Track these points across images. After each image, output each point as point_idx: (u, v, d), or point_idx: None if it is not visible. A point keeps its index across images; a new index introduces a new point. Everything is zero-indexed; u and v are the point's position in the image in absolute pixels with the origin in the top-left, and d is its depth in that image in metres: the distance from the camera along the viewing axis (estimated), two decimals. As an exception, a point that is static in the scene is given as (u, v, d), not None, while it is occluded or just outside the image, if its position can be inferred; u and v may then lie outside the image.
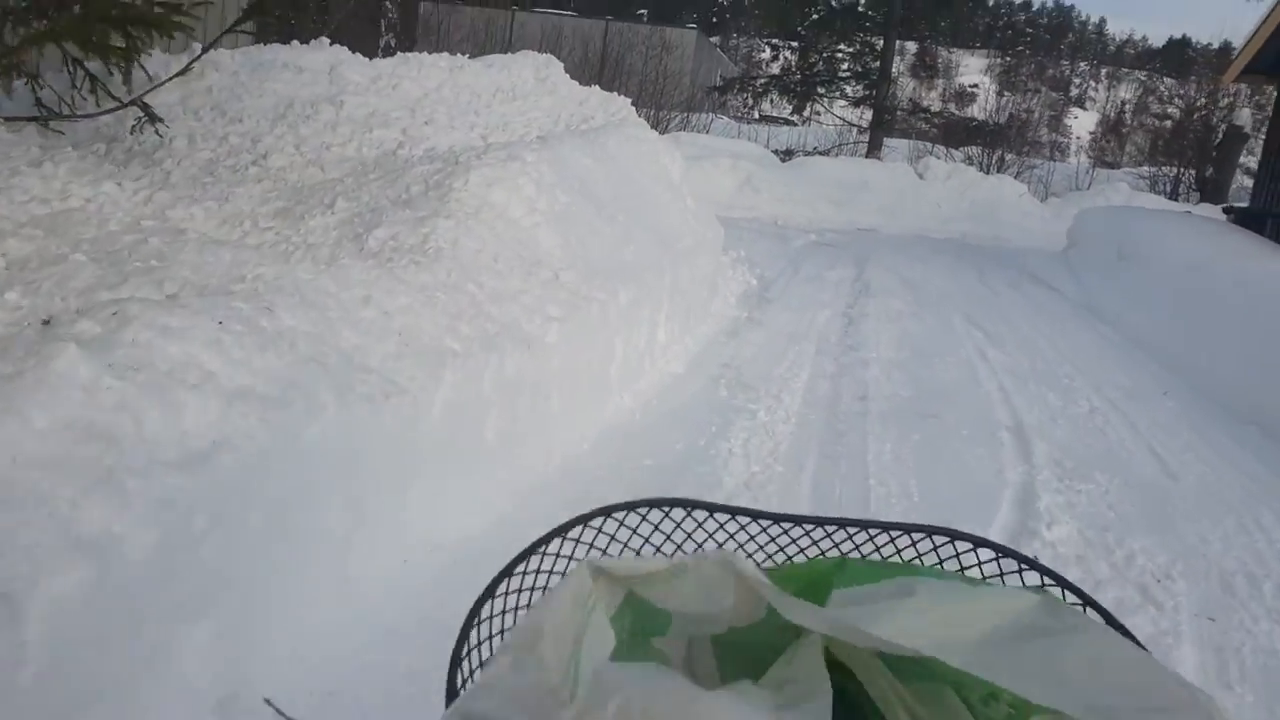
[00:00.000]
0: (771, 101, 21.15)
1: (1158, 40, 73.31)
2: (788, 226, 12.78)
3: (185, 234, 2.90)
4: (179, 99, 4.65)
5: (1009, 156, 19.17)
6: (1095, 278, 9.24)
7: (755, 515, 0.85)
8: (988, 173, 17.60)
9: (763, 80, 19.85)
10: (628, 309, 4.71)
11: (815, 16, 19.41)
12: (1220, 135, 17.54)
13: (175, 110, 4.58)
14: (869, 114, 19.36)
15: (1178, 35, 70.60)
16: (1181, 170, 18.30)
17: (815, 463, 4.19)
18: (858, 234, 13.07)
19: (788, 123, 27.59)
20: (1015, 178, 17.30)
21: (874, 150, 18.69)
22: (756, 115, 31.76)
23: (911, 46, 30.54)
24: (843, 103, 19.95)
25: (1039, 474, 4.23)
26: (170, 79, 4.18)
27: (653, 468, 3.97)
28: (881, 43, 18.36)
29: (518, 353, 3.49)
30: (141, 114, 3.80)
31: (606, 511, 0.83)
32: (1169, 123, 57.01)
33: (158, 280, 2.40)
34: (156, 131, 3.97)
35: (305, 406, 2.33)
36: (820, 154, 18.27)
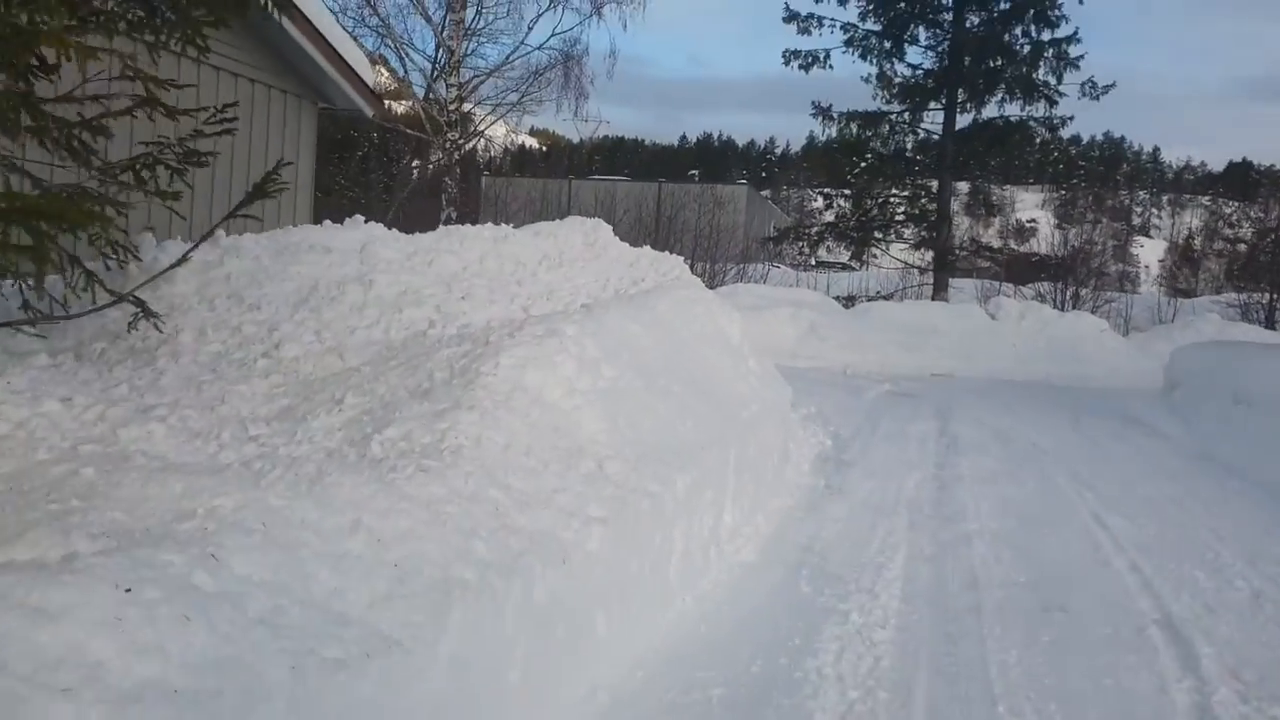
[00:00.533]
0: (828, 248, 20.97)
1: (1216, 164, 72.74)
2: (857, 375, 12.11)
3: (131, 460, 2.41)
4: (195, 288, 4.32)
5: (1083, 291, 18.41)
6: (1209, 423, 8.30)
7: None
8: (1062, 309, 16.84)
9: (817, 228, 19.71)
10: (687, 496, 4.06)
11: (864, 164, 19.39)
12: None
13: (190, 300, 4.23)
14: (928, 255, 18.96)
15: (1237, 158, 70.12)
16: (1276, 296, 17.31)
17: (927, 683, 3.38)
18: (932, 381, 12.33)
19: (845, 268, 27.40)
20: (1092, 312, 16.49)
21: (939, 292, 18.14)
22: (814, 263, 31.75)
23: (964, 186, 30.58)
24: (901, 246, 19.64)
25: (1214, 691, 3.34)
26: (166, 270, 3.84)
27: (724, 699, 3.22)
28: (936, 184, 18.15)
29: (551, 571, 2.85)
30: (137, 310, 3.42)
31: None
32: (1242, 246, 55.76)
33: (67, 529, 1.88)
34: (156, 326, 3.59)
35: (241, 697, 1.71)
36: (883, 298, 17.78)
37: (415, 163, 25.37)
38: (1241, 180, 60.33)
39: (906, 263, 19.38)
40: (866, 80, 17.64)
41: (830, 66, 17.75)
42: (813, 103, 17.95)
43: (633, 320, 5.07)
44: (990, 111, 17.71)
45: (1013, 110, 17.44)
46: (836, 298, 18.17)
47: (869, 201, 19.53)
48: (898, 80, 17.68)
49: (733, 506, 4.82)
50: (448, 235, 6.10)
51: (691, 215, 21.27)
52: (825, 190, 20.61)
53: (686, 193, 27.04)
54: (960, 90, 17.53)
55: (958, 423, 8.41)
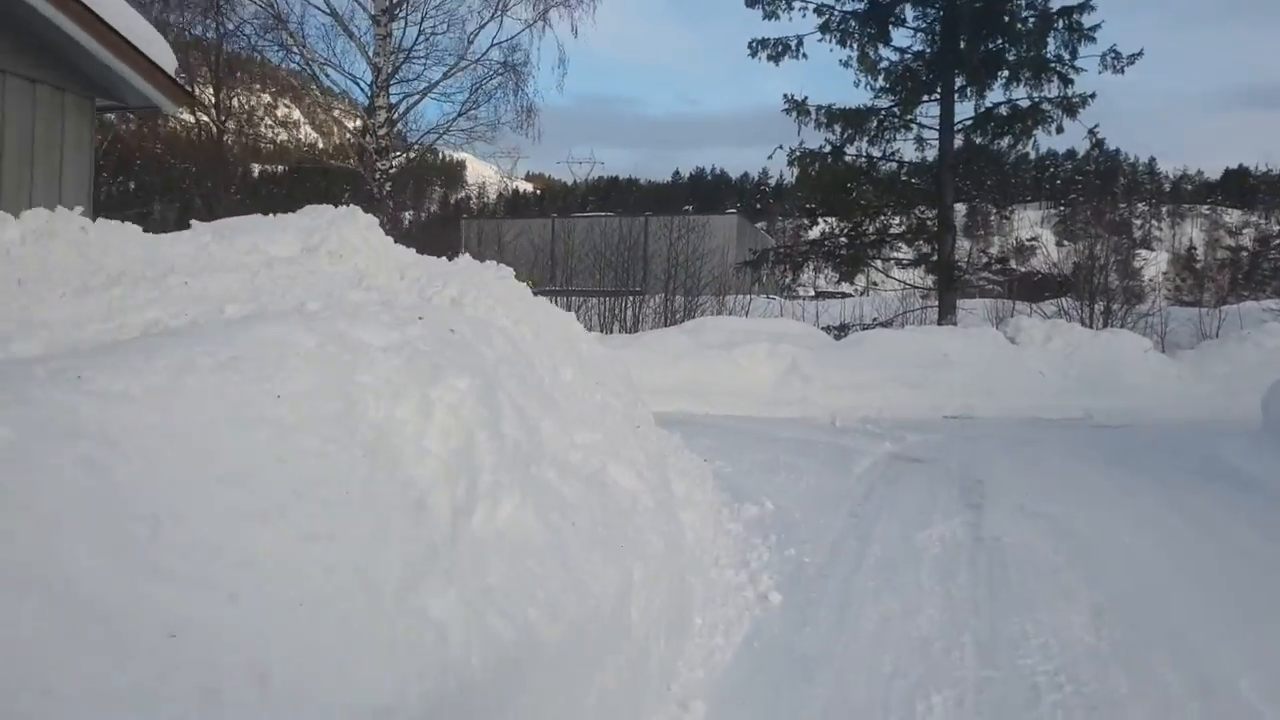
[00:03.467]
0: (818, 271, 18.01)
1: (1213, 173, 69.17)
2: (849, 427, 8.96)
3: None
4: None
5: (1114, 306, 15.26)
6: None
7: None
8: (1093, 327, 13.69)
9: (802, 247, 16.71)
10: None
11: (862, 189, 16.37)
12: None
13: None
14: (929, 279, 15.90)
15: (1234, 165, 66.74)
16: (1337, 299, 14.19)
17: None
18: (948, 429, 9.18)
19: (843, 296, 24.35)
20: (1125, 328, 13.35)
21: (946, 315, 15.03)
22: (812, 292, 28.62)
23: (960, 208, 27.75)
24: (900, 264, 16.59)
25: None
26: None
27: None
28: (935, 187, 15.13)
29: None
30: None
31: None
32: (1244, 254, 52.48)
33: None
34: None
35: None
36: (881, 325, 14.68)
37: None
38: (1239, 187, 57.17)
39: (907, 283, 16.31)
40: (846, 65, 14.73)
41: (804, 55, 14.86)
42: (784, 96, 15.05)
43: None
44: (995, 97, 14.76)
45: (1020, 96, 14.48)
46: (826, 328, 15.07)
47: (865, 221, 16.55)
48: (883, 65, 14.77)
49: None
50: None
51: (660, 244, 18.29)
52: (810, 206, 17.65)
53: (673, 224, 24.17)
54: (957, 75, 14.60)
55: (996, 513, 5.25)
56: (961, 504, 5.46)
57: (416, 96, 18.65)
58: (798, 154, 15.04)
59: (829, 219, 17.96)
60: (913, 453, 7.42)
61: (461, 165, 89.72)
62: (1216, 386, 11.39)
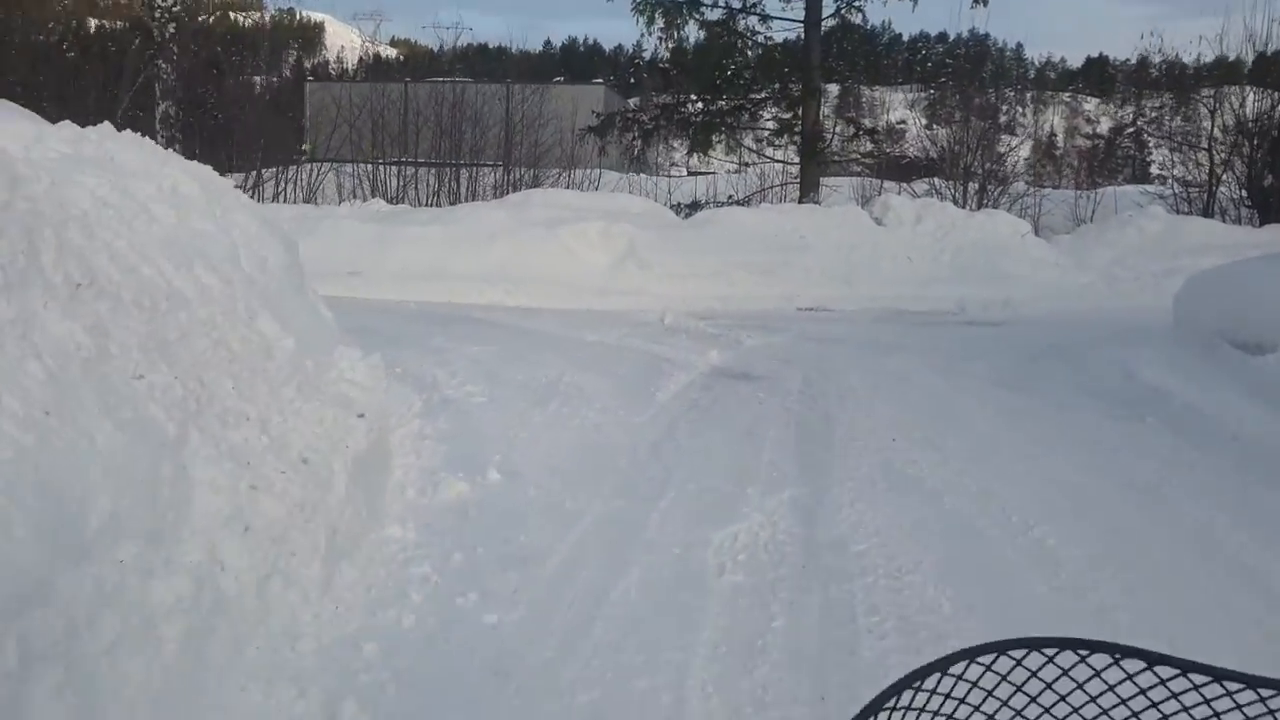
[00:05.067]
0: (666, 141, 15.68)
1: (1075, 61, 69.30)
2: (679, 328, 6.93)
3: None
4: None
5: (990, 186, 13.72)
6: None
7: (1186, 667, 0.69)
8: (967, 208, 12.09)
9: (651, 113, 14.31)
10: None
11: (731, 70, 13.88)
12: (1276, 126, 12.18)
13: None
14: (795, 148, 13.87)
15: (1095, 54, 66.80)
16: (1216, 180, 13.02)
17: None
18: (797, 327, 7.31)
19: (707, 174, 22.06)
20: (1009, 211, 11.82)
21: (809, 193, 13.12)
22: (684, 171, 26.21)
23: (832, 90, 25.75)
24: (758, 137, 14.46)
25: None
26: None
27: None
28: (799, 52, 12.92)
29: None
30: None
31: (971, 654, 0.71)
32: (1100, 142, 53.10)
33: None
34: None
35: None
36: (737, 204, 12.66)
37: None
38: (1099, 75, 57.38)
39: (767, 156, 14.21)
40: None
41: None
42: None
43: None
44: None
45: None
46: (676, 205, 12.93)
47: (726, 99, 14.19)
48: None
49: None
50: None
51: (496, 111, 15.51)
52: (664, 66, 15.10)
53: (508, 91, 21.13)
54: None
55: (846, 482, 3.31)
56: (795, 462, 3.51)
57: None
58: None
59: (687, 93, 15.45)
60: (745, 365, 5.46)
61: (320, 28, 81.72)
62: (1097, 275, 9.97)
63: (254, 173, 12.89)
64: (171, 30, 14.22)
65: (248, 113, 17.10)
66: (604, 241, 9.93)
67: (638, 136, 13.76)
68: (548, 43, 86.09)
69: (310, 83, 38.10)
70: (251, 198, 12.92)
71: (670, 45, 13.24)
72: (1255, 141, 13.02)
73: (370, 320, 6.12)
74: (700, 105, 13.69)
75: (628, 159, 14.44)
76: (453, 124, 15.91)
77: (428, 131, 16.05)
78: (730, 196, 13.60)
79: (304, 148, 21.23)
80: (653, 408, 4.20)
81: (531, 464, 3.23)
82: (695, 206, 12.81)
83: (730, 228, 10.70)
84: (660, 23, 12.61)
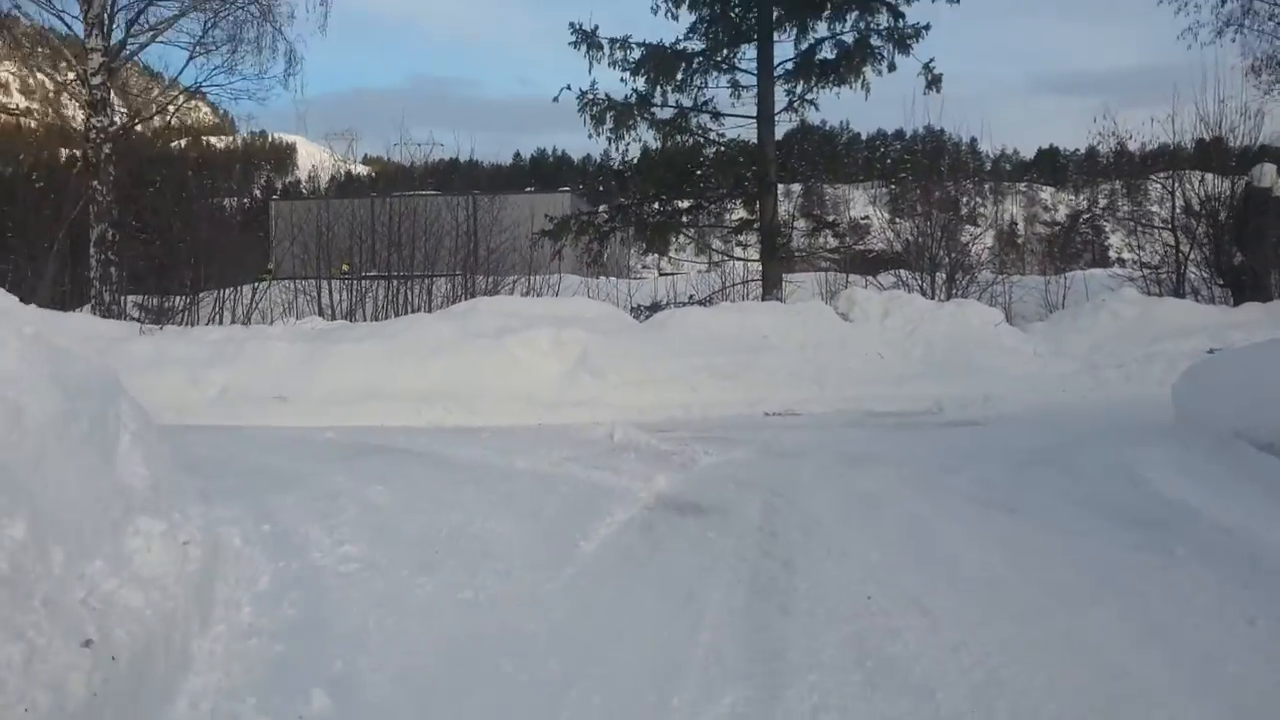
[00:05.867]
0: (624, 243, 15.28)
1: (1028, 152, 71.59)
2: (629, 445, 6.14)
3: None
4: None
5: (958, 276, 13.30)
6: None
7: None
8: (935, 299, 11.59)
9: (604, 213, 13.87)
10: None
11: (687, 168, 13.62)
12: (1240, 204, 11.85)
13: None
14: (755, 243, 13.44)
15: (1045, 145, 68.94)
16: (1183, 261, 12.64)
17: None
18: (761, 438, 6.53)
19: (677, 274, 21.65)
20: (978, 300, 11.31)
21: (772, 290, 12.60)
22: (656, 271, 25.88)
23: (796, 189, 25.94)
24: (720, 241, 14.07)
25: None
26: None
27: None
28: (756, 139, 12.59)
29: None
30: None
31: None
32: (1059, 228, 54.21)
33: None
34: None
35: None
36: (698, 304, 12.09)
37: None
38: (1051, 165, 59.07)
39: (726, 254, 13.75)
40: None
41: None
42: (570, 25, 12.20)
43: None
44: (821, 36, 12.35)
45: (846, 31, 12.11)
46: (636, 308, 12.34)
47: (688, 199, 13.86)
48: (689, -10, 12.05)
49: None
50: None
51: (447, 222, 15.07)
52: (621, 169, 14.75)
53: (505, 203, 20.90)
54: (776, 8, 12.08)
55: (809, 674, 2.47)
56: (742, 642, 2.67)
57: (145, 36, 14.58)
58: (590, 98, 12.23)
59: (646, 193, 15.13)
60: (697, 492, 4.65)
61: (292, 148, 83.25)
62: (1079, 364, 9.34)
63: (187, 296, 12.16)
64: (107, 151, 13.75)
65: (203, 233, 16.60)
66: (555, 350, 9.22)
67: (594, 239, 13.27)
68: (517, 155, 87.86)
69: (276, 201, 38.10)
70: (180, 322, 12.28)
71: (622, 146, 12.91)
72: (1219, 219, 12.73)
73: (268, 458, 5.31)
74: (656, 205, 13.26)
75: (584, 262, 13.93)
76: (410, 235, 15.46)
77: (381, 245, 15.60)
78: (691, 296, 13.05)
79: (270, 266, 20.73)
80: (572, 566, 3.37)
81: (381, 673, 2.38)
82: (655, 308, 12.22)
83: (690, 329, 10.06)
84: (610, 123, 12.29)
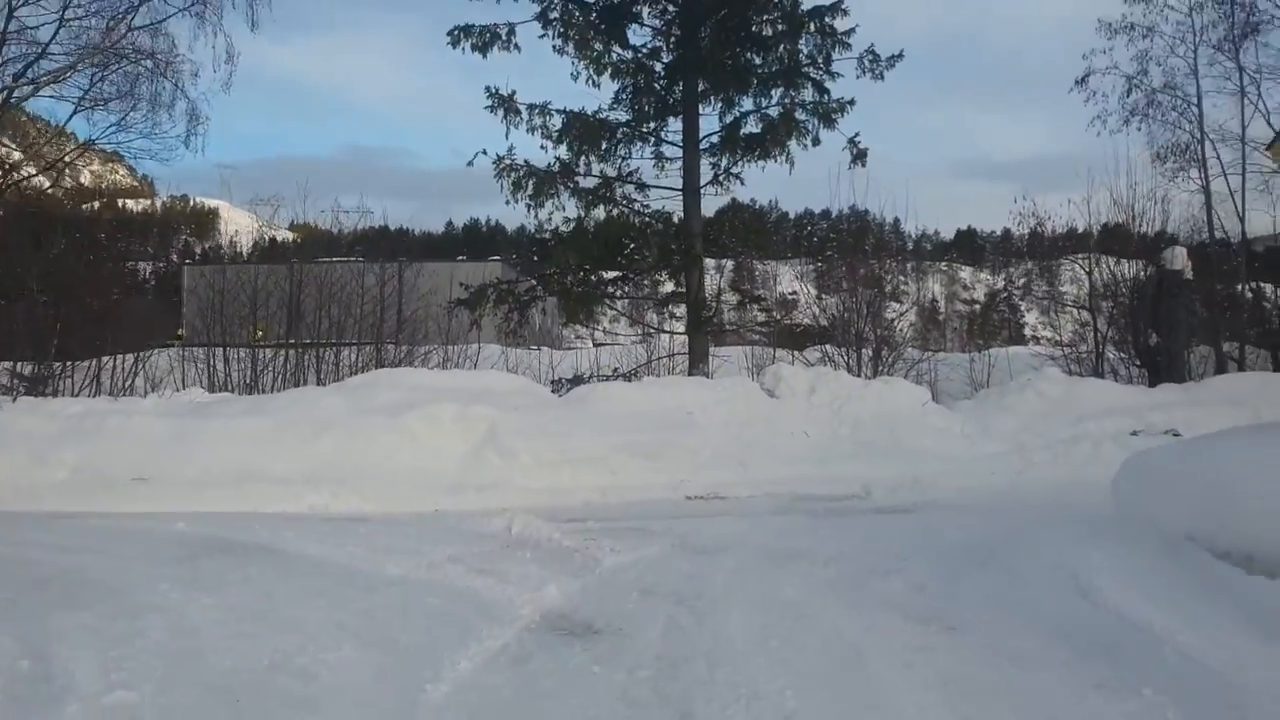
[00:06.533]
0: (544, 313, 14.73)
1: (948, 233, 74.74)
2: (527, 539, 5.41)
3: None
4: None
5: (884, 352, 13.04)
6: None
7: None
8: (861, 375, 11.24)
9: (525, 286, 13.27)
10: None
11: (629, 246, 13.26)
12: (1153, 286, 11.92)
13: None
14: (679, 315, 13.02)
15: (964, 227, 71.88)
16: (1101, 341, 12.65)
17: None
18: (677, 529, 5.88)
19: (610, 345, 21.16)
20: (904, 377, 10.99)
21: (699, 364, 12.12)
22: (590, 342, 25.30)
23: (727, 264, 26.04)
24: (645, 312, 13.64)
25: None
26: None
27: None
28: (681, 214, 12.29)
29: None
30: None
31: None
32: (977, 306, 55.54)
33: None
34: None
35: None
36: (621, 377, 11.51)
37: None
38: (969, 246, 61.25)
39: (652, 326, 13.34)
40: (561, 52, 11.65)
41: (516, 47, 11.69)
42: (486, 89, 11.80)
43: None
44: (746, 108, 12.23)
45: (772, 104, 11.99)
46: (556, 381, 11.70)
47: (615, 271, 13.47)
48: (613, 60, 11.81)
49: None
50: None
51: (364, 288, 14.28)
52: (544, 238, 14.32)
53: (424, 270, 20.12)
54: (701, 81, 11.93)
55: None
56: None
57: (28, 89, 13.67)
58: (506, 163, 11.78)
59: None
60: (593, 605, 3.96)
61: (214, 213, 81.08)
62: (1007, 445, 9.00)
63: (50, 364, 11.03)
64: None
65: (107, 297, 15.46)
66: (459, 427, 8.49)
67: (514, 308, 12.66)
68: (450, 224, 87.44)
69: (189, 265, 36.57)
70: (46, 392, 11.14)
71: (543, 214, 12.45)
72: (1132, 301, 12.82)
73: (84, 559, 4.43)
74: (580, 275, 12.77)
75: (503, 333, 13.29)
76: (317, 302, 14.59)
77: (282, 314, 14.70)
78: (615, 369, 12.47)
79: (180, 332, 19.53)
80: None
81: None
82: (578, 381, 11.59)
83: (611, 405, 9.45)
84: (530, 189, 11.84)
